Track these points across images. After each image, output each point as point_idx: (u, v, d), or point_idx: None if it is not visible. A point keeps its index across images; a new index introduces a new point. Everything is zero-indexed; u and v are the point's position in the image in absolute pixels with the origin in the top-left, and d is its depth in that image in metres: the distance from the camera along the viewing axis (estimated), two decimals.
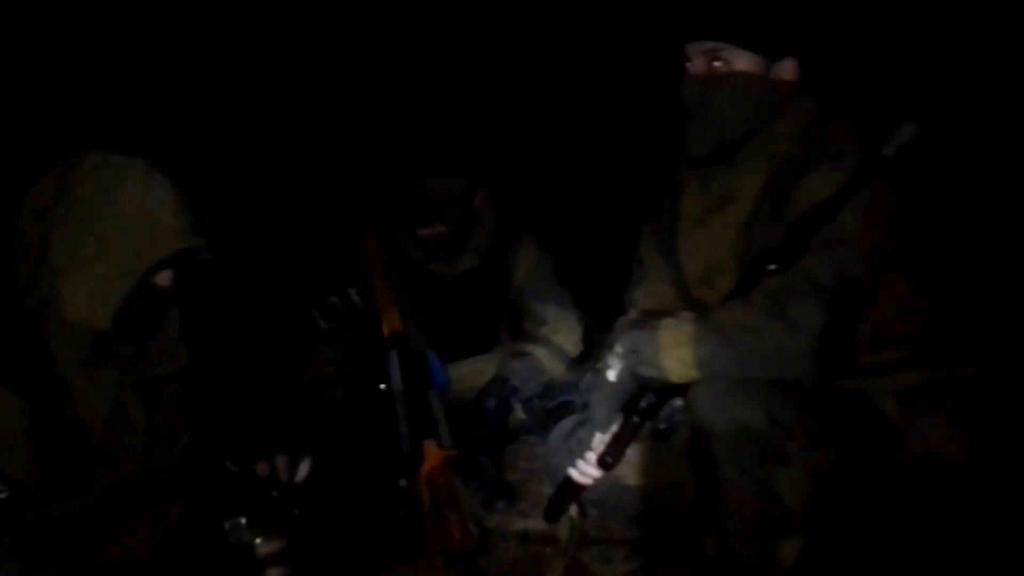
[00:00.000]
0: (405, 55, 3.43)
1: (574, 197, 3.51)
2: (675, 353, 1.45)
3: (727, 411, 1.41)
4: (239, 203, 2.77)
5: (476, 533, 1.83)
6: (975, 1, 2.79)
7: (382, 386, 2.04)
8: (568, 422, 2.10)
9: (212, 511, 1.46)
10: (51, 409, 1.33)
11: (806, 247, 1.43)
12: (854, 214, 1.42)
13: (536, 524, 2.01)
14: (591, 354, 2.41)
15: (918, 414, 1.49)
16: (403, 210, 2.41)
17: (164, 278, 1.43)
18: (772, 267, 1.45)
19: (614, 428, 1.53)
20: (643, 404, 1.51)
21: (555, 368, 2.37)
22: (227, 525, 1.43)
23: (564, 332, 2.43)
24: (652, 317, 1.57)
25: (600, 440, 1.54)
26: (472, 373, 2.43)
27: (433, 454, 1.86)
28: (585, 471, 1.55)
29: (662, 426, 1.53)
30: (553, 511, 1.63)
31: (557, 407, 2.27)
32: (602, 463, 1.52)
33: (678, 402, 1.50)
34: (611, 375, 1.55)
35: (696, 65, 1.59)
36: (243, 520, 1.43)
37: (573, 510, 1.69)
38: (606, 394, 1.57)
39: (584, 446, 1.57)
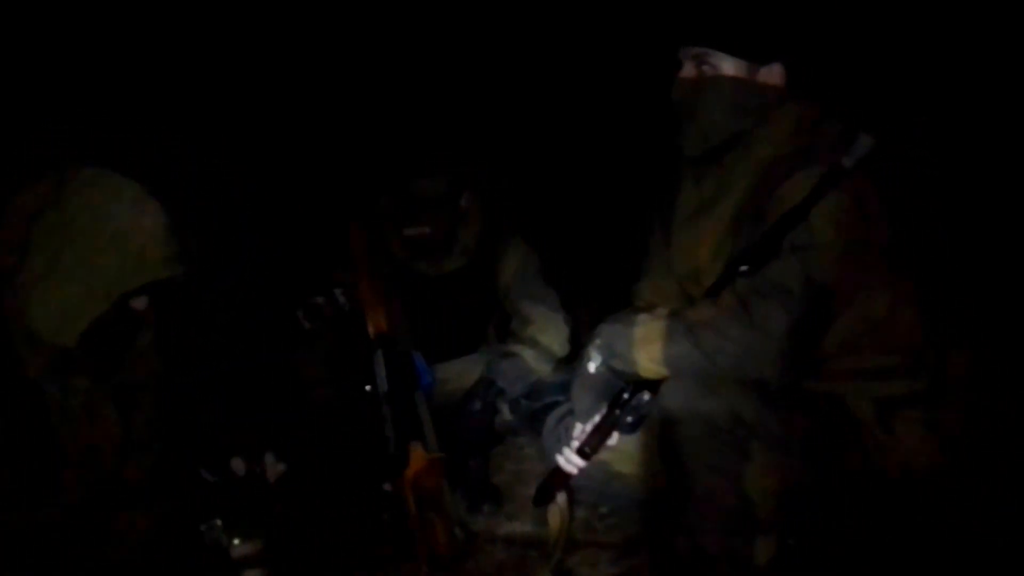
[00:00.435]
0: (392, 55, 3.42)
1: (565, 196, 3.50)
2: (646, 349, 1.52)
3: (693, 409, 1.46)
4: (239, 203, 2.76)
5: (461, 537, 1.81)
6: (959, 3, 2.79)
7: (367, 387, 2.01)
8: (561, 410, 2.09)
9: (187, 514, 1.44)
10: (23, 415, 1.30)
11: (777, 251, 1.47)
12: (822, 220, 1.46)
13: (522, 527, 1.99)
14: (578, 354, 2.39)
15: (896, 423, 1.52)
16: (389, 210, 2.39)
17: (139, 302, 1.41)
18: (744, 268, 1.50)
19: (596, 419, 1.59)
20: (625, 396, 1.57)
21: (542, 369, 2.35)
22: (202, 527, 1.40)
23: (551, 332, 2.41)
24: (633, 312, 1.61)
25: (581, 430, 1.61)
26: (458, 374, 2.42)
27: (419, 457, 1.84)
28: (571, 459, 1.60)
29: (629, 419, 1.57)
30: (541, 496, 1.69)
31: (544, 408, 2.24)
32: (581, 453, 1.59)
33: (645, 396, 1.55)
34: (591, 367, 1.62)
35: (685, 69, 1.65)
36: (218, 522, 1.40)
37: (561, 497, 1.70)
38: (587, 386, 1.63)
39: (569, 435, 1.64)
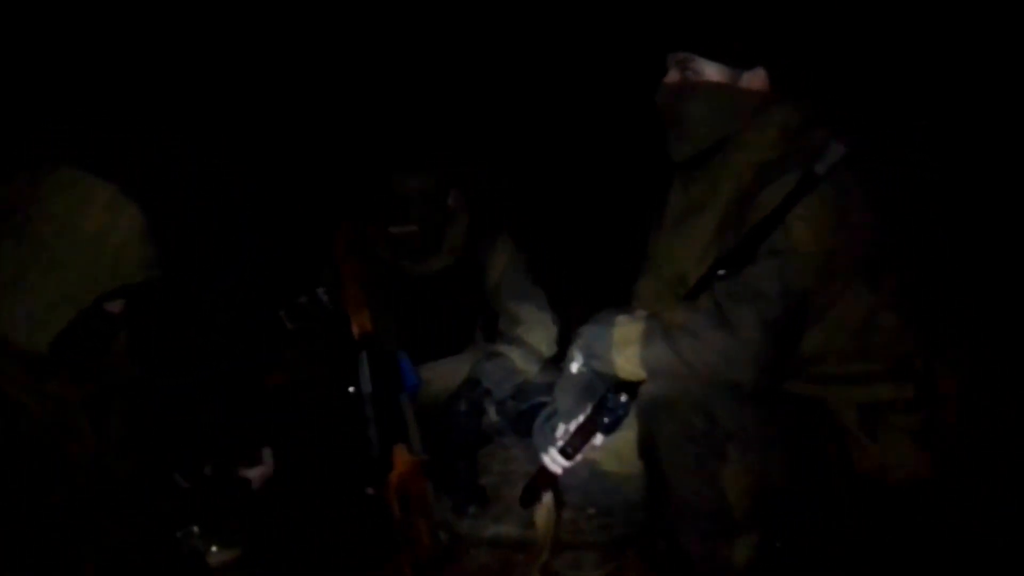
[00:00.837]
0: (379, 53, 3.41)
1: (553, 194, 3.49)
2: (623, 351, 1.53)
3: (670, 411, 1.46)
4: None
5: (446, 541, 1.79)
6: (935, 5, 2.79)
7: (351, 389, 1.98)
8: (548, 410, 2.07)
9: (164, 520, 1.41)
10: None
11: (755, 255, 1.47)
12: (797, 225, 1.46)
13: (508, 530, 1.97)
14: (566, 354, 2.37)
15: (881, 430, 1.52)
16: (375, 208, 2.36)
17: (114, 305, 1.38)
18: (722, 273, 1.50)
19: (579, 419, 1.59)
20: (608, 397, 1.56)
21: (529, 369, 2.33)
22: (179, 534, 1.38)
23: (539, 332, 2.39)
24: (614, 314, 1.61)
25: (564, 431, 1.61)
26: (444, 374, 2.39)
27: (403, 459, 1.82)
28: (556, 459, 1.60)
29: (606, 420, 1.56)
30: (528, 497, 1.67)
31: (531, 409, 2.23)
32: (564, 453, 1.59)
33: (623, 397, 1.55)
34: (573, 368, 1.62)
35: (670, 75, 1.66)
36: (195, 528, 1.38)
37: (548, 498, 1.70)
38: (570, 386, 1.63)
39: (553, 435, 1.64)
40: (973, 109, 2.68)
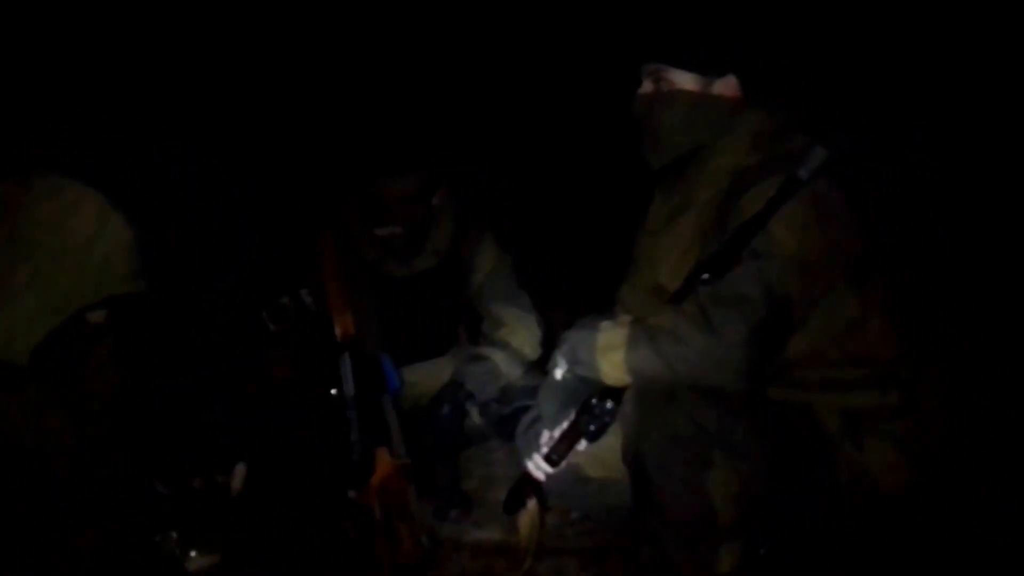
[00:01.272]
0: (364, 54, 3.40)
1: (538, 196, 3.49)
2: (608, 356, 1.53)
3: (656, 417, 1.46)
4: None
5: (427, 545, 1.77)
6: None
7: (333, 391, 1.97)
8: (532, 414, 2.07)
9: (142, 526, 1.39)
10: None
11: (738, 260, 1.48)
12: (780, 230, 1.47)
13: (490, 534, 1.97)
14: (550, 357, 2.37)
15: (865, 437, 1.52)
16: (359, 209, 2.34)
17: (97, 316, 1.36)
18: (705, 277, 1.50)
19: (563, 425, 1.59)
20: (593, 403, 1.56)
21: (512, 372, 2.32)
22: (157, 538, 1.36)
23: (522, 335, 2.38)
24: (598, 319, 1.62)
25: (548, 437, 1.61)
26: (427, 377, 2.37)
27: (385, 462, 1.81)
28: (539, 465, 1.61)
29: (592, 427, 1.56)
30: (511, 504, 1.67)
31: (514, 412, 2.22)
32: (549, 460, 1.59)
33: (608, 403, 1.55)
34: (557, 374, 1.64)
35: (644, 86, 1.69)
36: (174, 534, 1.36)
37: (532, 504, 1.70)
38: (554, 392, 1.66)
39: (537, 441, 1.64)
40: (953, 110, 2.69)
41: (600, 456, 1.77)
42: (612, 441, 1.60)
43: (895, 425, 1.52)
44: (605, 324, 1.58)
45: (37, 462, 1.33)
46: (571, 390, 1.61)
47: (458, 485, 2.16)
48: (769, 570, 1.48)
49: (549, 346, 2.41)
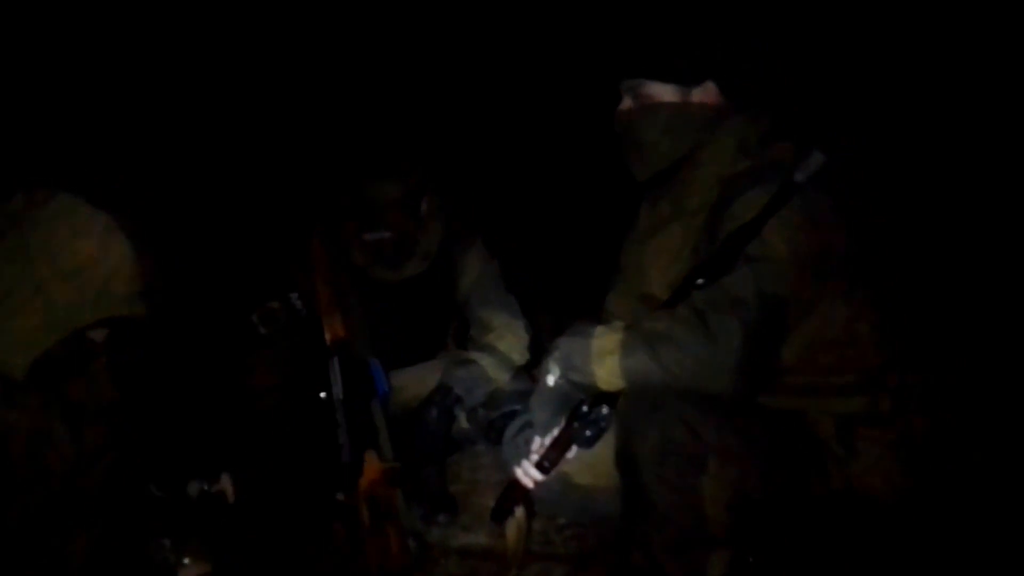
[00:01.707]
0: (352, 60, 3.40)
1: (527, 201, 3.50)
2: (604, 362, 1.52)
3: (651, 423, 1.46)
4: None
5: (415, 549, 1.78)
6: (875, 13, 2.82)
7: (322, 395, 1.97)
8: (520, 420, 2.08)
9: (135, 532, 1.39)
10: None
11: (732, 264, 1.49)
12: (774, 235, 1.47)
13: (478, 539, 1.97)
14: (538, 362, 2.37)
15: (857, 442, 1.53)
16: (348, 214, 2.35)
17: (97, 334, 1.37)
18: (700, 282, 1.51)
19: (554, 432, 1.58)
20: (584, 409, 1.55)
21: (500, 377, 2.33)
22: (150, 545, 1.36)
23: (510, 339, 2.39)
24: (591, 325, 1.61)
25: (539, 444, 1.60)
26: (415, 381, 2.38)
27: (373, 466, 1.81)
28: (529, 472, 1.60)
29: (587, 433, 1.56)
30: (499, 512, 1.66)
31: (502, 417, 2.23)
32: (540, 467, 1.58)
33: (604, 409, 1.54)
34: (549, 380, 1.61)
35: (623, 101, 1.70)
36: (167, 541, 1.36)
37: (520, 511, 1.70)
38: (546, 399, 1.62)
39: (527, 448, 1.63)
40: (934, 113, 2.71)
41: (589, 463, 1.77)
42: (601, 449, 1.61)
43: (887, 431, 1.52)
44: (599, 330, 1.57)
45: (31, 468, 1.34)
46: (562, 397, 1.59)
47: (446, 489, 2.17)
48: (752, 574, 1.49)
49: (536, 351, 2.43)
